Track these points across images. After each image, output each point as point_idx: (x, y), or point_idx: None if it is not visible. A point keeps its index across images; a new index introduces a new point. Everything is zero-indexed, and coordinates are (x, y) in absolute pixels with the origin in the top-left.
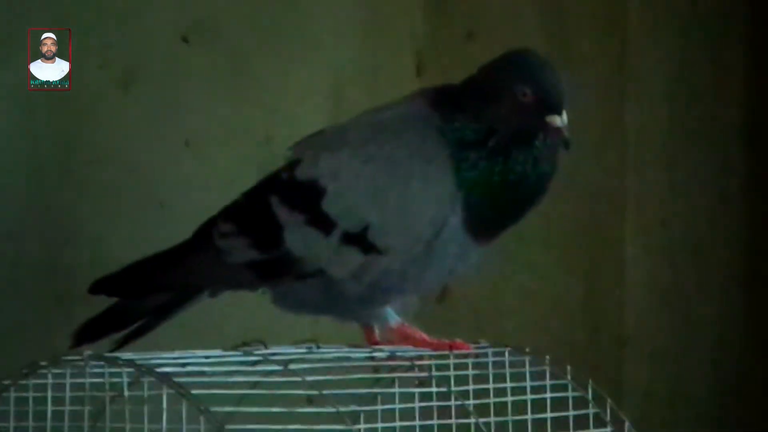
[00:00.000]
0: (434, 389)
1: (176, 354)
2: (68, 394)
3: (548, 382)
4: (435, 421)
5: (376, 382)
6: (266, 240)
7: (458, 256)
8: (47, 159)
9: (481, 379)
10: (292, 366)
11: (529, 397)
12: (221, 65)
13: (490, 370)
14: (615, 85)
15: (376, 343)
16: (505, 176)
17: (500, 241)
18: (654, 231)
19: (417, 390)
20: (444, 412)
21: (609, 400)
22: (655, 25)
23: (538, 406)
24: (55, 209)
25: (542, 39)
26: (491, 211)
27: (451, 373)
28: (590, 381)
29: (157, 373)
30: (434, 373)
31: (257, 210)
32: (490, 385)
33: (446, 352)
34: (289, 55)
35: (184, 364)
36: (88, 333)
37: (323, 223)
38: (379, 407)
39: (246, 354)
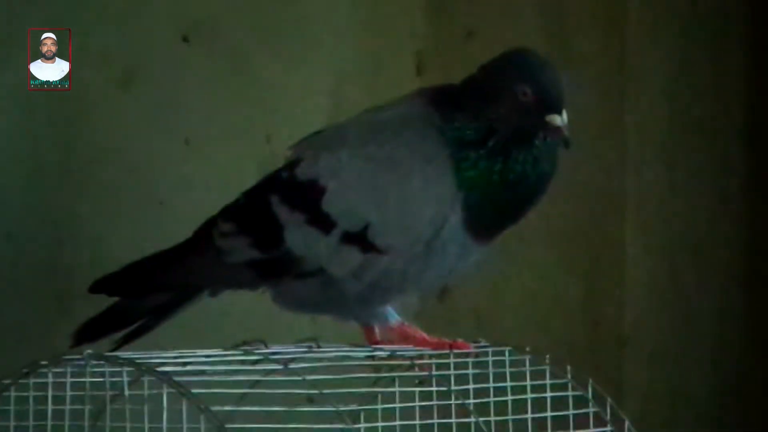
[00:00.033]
0: (434, 388)
1: (176, 353)
2: (69, 393)
3: (548, 381)
4: (435, 420)
5: (377, 381)
6: (266, 239)
7: (458, 256)
8: (47, 158)
9: (481, 378)
10: (292, 365)
11: (529, 396)
12: (221, 65)
13: (491, 370)
14: (615, 85)
15: (377, 343)
16: (505, 176)
17: (500, 240)
18: (654, 231)
19: (417, 389)
20: (444, 411)
21: (609, 400)
22: (655, 25)
23: (538, 405)
24: (55, 209)
25: (542, 38)
26: (491, 210)
27: (452, 372)
28: (590, 380)
29: (158, 372)
30: (434, 372)
31: (257, 209)
32: (491, 385)
33: (446, 352)
34: (289, 55)
35: (184, 363)
36: (88, 332)
37: (323, 223)
38: (380, 406)
39: (246, 353)
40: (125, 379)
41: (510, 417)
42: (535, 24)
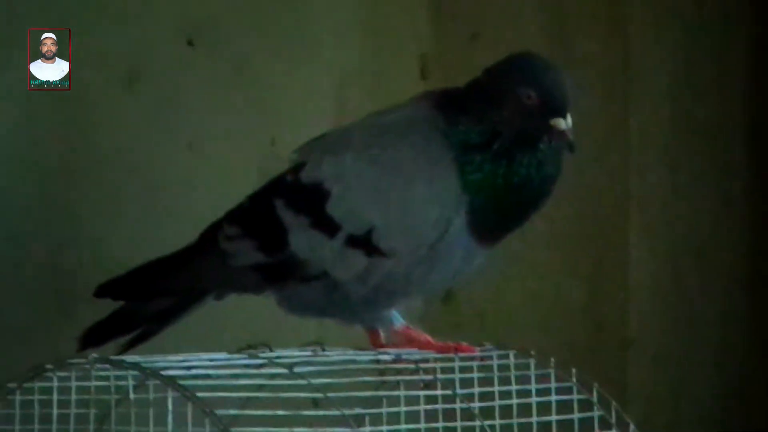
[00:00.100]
0: (439, 392)
1: (181, 357)
2: (74, 397)
3: (553, 384)
4: (440, 424)
5: (381, 385)
6: (271, 243)
7: (463, 259)
8: (50, 161)
9: (486, 381)
10: (297, 369)
11: (534, 399)
12: (224, 68)
13: (495, 373)
14: (618, 87)
15: (381, 346)
16: (509, 179)
17: (504, 243)
18: (657, 233)
19: (422, 393)
20: (449, 414)
21: (614, 403)
22: (658, 27)
23: (543, 408)
24: (58, 211)
25: (546, 41)
26: (495, 213)
27: (456, 375)
28: (595, 383)
29: (163, 376)
30: (439, 375)
31: (262, 213)
32: (495, 388)
33: (451, 355)
34: (293, 58)
35: (189, 367)
36: (93, 337)
37: (328, 226)
38: (384, 410)
39: (251, 357)
40: (130, 382)
41: (515, 420)
42: (539, 26)
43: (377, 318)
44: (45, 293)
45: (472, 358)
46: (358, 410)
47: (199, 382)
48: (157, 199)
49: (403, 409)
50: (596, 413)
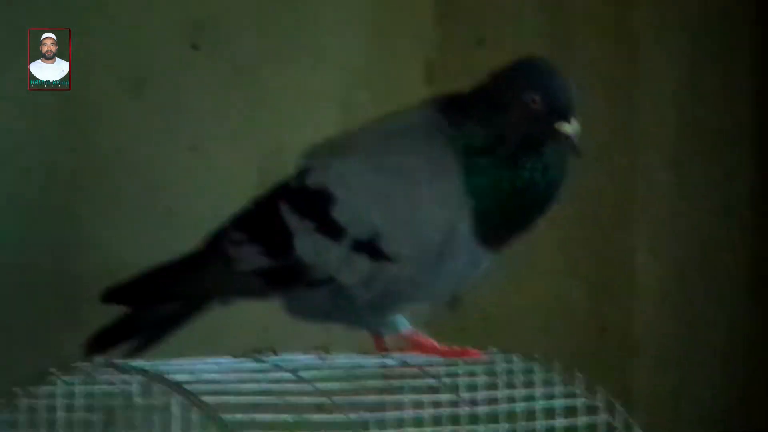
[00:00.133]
0: (444, 396)
1: (187, 361)
2: (79, 401)
3: (558, 388)
4: (445, 428)
5: (386, 389)
6: (277, 247)
7: (469, 264)
8: (54, 166)
9: (490, 386)
10: (302, 373)
11: (538, 403)
12: (229, 71)
13: (500, 377)
14: (624, 91)
15: (387, 351)
16: (515, 183)
17: (508, 247)
18: (662, 237)
19: (427, 397)
20: (454, 419)
21: (618, 407)
22: (663, 31)
23: (548, 412)
24: (63, 216)
25: (552, 46)
26: (500, 218)
27: (461, 380)
28: (600, 388)
29: (168, 380)
30: (444, 380)
31: (268, 217)
32: (500, 392)
33: (456, 359)
34: (298, 62)
35: (194, 372)
36: (100, 343)
37: (333, 231)
38: (389, 414)
39: (256, 361)
40: (136, 387)
41: (520, 424)
42: (544, 31)
43: (383, 323)
44: (51, 299)
45: (476, 363)
46: (362, 414)
47: (205, 386)
48: (159, 201)
49: (408, 413)
50: (601, 418)
